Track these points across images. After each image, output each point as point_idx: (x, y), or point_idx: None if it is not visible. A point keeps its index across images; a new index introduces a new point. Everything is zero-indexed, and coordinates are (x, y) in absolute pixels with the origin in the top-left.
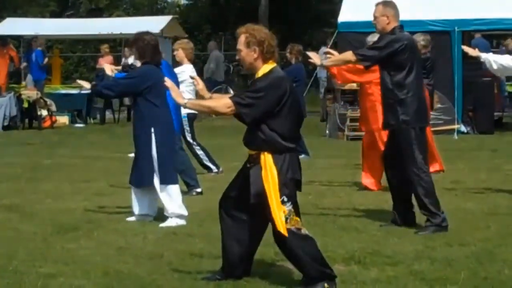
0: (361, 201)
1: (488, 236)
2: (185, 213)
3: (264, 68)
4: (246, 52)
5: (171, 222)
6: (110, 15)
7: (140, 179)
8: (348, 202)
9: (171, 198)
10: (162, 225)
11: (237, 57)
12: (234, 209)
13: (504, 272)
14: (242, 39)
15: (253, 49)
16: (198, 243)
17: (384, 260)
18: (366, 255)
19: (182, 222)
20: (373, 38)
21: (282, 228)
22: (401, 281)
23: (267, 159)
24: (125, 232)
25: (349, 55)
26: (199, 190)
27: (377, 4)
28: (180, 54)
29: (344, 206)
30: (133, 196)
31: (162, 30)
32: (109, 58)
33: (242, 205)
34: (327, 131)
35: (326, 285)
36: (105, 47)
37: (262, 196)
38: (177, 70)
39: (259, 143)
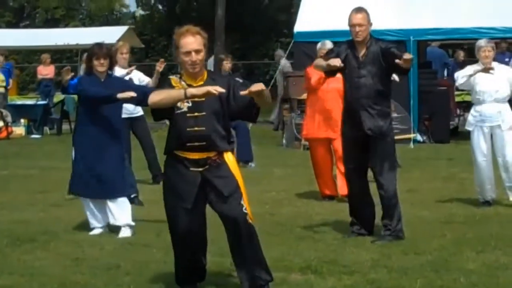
0: (318, 210)
1: (443, 244)
2: (133, 223)
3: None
4: (204, 53)
5: (126, 233)
6: (66, 26)
7: (117, 189)
8: (305, 212)
9: (126, 208)
10: (119, 236)
11: (194, 58)
12: (192, 220)
13: (460, 280)
14: (202, 40)
15: (206, 51)
16: (155, 253)
17: (340, 269)
18: (323, 264)
19: (132, 231)
20: (324, 46)
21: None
22: None
23: (230, 157)
24: (82, 243)
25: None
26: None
27: (358, 11)
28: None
29: (301, 216)
30: (92, 209)
31: (118, 41)
32: (51, 67)
33: (198, 212)
34: (284, 141)
35: None
36: (46, 56)
37: (237, 193)
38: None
39: (226, 142)
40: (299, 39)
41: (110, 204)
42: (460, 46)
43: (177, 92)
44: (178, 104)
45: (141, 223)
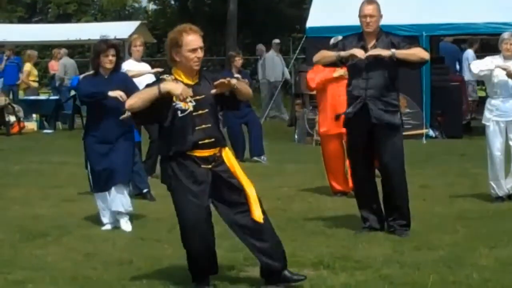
0: (330, 206)
1: (456, 240)
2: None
3: None
4: None
5: (128, 226)
6: (78, 21)
7: (124, 176)
8: (317, 207)
9: (127, 195)
10: (122, 228)
11: (200, 55)
12: (209, 216)
13: (473, 276)
14: (201, 38)
15: None
16: (167, 249)
17: (353, 265)
18: (335, 259)
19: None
20: (335, 41)
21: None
22: (370, 286)
23: (229, 153)
24: (94, 238)
25: (423, 52)
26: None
27: (369, 3)
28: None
29: (313, 211)
30: (108, 201)
31: (130, 36)
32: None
33: (209, 208)
34: (296, 136)
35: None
36: (58, 51)
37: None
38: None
39: (223, 138)
40: (311, 34)
41: (116, 189)
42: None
43: (150, 90)
44: (181, 105)
45: (153, 218)
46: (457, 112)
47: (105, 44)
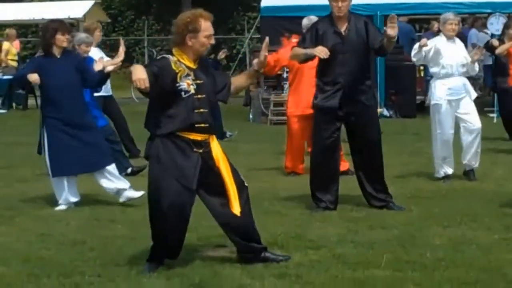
0: (285, 185)
1: (410, 219)
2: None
3: None
4: None
5: (134, 193)
6: (31, 0)
7: (105, 159)
8: (272, 187)
9: (117, 173)
10: (133, 196)
11: (213, 42)
12: (193, 200)
13: (426, 255)
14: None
15: None
16: (120, 229)
17: (307, 244)
18: (289, 239)
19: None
20: (309, 21)
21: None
22: (323, 265)
23: (216, 142)
24: (48, 219)
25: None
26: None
27: None
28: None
29: (267, 191)
30: (64, 186)
31: (85, 15)
32: (17, 42)
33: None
34: (250, 116)
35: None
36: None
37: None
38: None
39: (215, 126)
40: (266, 13)
41: (110, 171)
42: (428, 21)
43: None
44: (185, 86)
45: (106, 199)
46: (411, 92)
47: (60, 22)
